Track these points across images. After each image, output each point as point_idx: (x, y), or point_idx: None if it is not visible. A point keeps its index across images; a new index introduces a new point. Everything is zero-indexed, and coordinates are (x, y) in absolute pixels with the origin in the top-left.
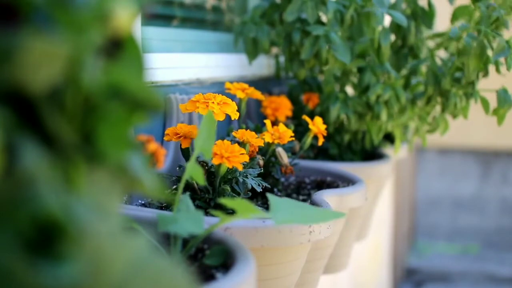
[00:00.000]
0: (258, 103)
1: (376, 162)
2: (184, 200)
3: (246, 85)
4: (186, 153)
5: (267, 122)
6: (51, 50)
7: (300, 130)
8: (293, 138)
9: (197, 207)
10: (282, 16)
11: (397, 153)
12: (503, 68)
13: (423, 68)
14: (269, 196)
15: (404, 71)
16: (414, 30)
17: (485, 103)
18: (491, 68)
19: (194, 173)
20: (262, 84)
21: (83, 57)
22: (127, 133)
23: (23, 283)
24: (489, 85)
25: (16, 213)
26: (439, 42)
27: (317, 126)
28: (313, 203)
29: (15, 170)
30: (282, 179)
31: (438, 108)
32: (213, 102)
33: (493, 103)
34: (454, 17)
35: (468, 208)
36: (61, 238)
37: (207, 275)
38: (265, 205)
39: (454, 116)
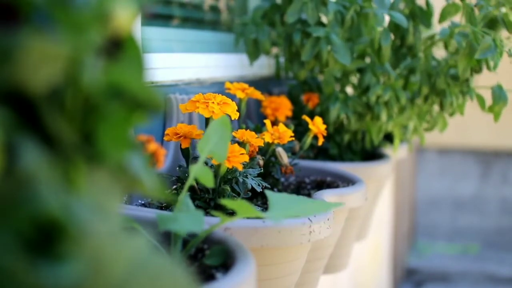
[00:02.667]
0: (258, 103)
1: (376, 162)
2: (184, 200)
3: (246, 85)
4: (186, 153)
5: (267, 122)
6: (51, 50)
7: (300, 130)
8: (293, 138)
9: (197, 207)
10: (283, 17)
11: (396, 152)
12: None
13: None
14: (268, 193)
15: (404, 71)
16: (413, 30)
17: (481, 100)
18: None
19: (202, 175)
20: (262, 84)
21: (83, 57)
22: (127, 133)
23: (23, 283)
24: (486, 81)
25: (16, 213)
26: (431, 41)
27: (317, 126)
28: None
29: (15, 170)
30: (282, 179)
31: (436, 106)
32: (213, 102)
33: (490, 100)
34: (442, 16)
35: (468, 208)
36: (61, 238)
37: (207, 275)
38: (265, 205)
39: (451, 114)
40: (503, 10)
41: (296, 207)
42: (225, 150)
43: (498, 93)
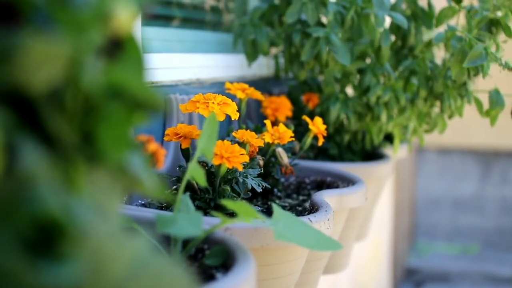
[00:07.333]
0: (258, 103)
1: (376, 162)
2: (184, 201)
3: (246, 85)
4: (186, 153)
5: (267, 122)
6: (51, 50)
7: (300, 130)
8: (293, 138)
9: (197, 207)
10: (281, 18)
11: (396, 153)
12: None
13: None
14: (274, 206)
15: (404, 72)
16: (414, 31)
17: (478, 104)
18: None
19: (195, 174)
20: (262, 84)
21: (83, 57)
22: (127, 133)
23: (23, 283)
24: (486, 84)
25: (16, 213)
26: (428, 45)
27: (317, 126)
28: (313, 203)
29: (15, 170)
30: (282, 179)
31: (436, 108)
32: (213, 102)
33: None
34: (439, 20)
35: (468, 208)
36: (61, 238)
37: (207, 275)
38: (265, 206)
39: (450, 116)
40: (499, 14)
41: (300, 231)
42: (213, 146)
43: (495, 98)
